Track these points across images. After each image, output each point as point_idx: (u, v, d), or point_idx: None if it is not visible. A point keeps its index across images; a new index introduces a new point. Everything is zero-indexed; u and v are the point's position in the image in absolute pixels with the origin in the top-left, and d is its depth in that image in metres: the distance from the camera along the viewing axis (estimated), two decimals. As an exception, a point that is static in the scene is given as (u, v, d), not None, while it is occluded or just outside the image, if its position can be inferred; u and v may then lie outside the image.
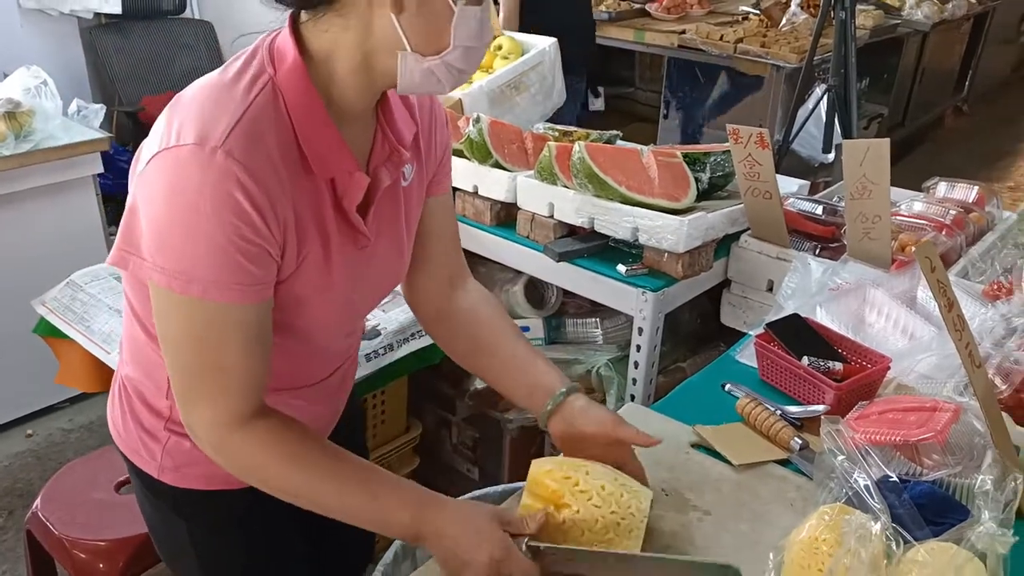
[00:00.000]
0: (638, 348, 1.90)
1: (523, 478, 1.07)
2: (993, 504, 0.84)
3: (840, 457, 0.96)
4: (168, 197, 0.84)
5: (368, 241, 1.01)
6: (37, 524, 1.71)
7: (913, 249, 1.66)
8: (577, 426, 1.12)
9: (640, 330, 1.87)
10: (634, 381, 1.94)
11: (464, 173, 2.10)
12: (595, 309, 2.14)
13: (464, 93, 2.54)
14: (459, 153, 2.12)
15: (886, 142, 1.65)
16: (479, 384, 2.19)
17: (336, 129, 0.92)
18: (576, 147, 1.83)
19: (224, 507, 1.14)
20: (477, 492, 1.40)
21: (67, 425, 2.77)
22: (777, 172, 1.91)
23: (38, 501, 1.74)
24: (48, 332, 2.05)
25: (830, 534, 0.91)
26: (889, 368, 1.38)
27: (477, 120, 2.03)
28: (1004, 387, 1.30)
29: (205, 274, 0.85)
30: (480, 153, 2.05)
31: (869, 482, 0.92)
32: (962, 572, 0.83)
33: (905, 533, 0.94)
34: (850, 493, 0.94)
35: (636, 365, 1.92)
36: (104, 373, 2.00)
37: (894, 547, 0.90)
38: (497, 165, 2.06)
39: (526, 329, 2.17)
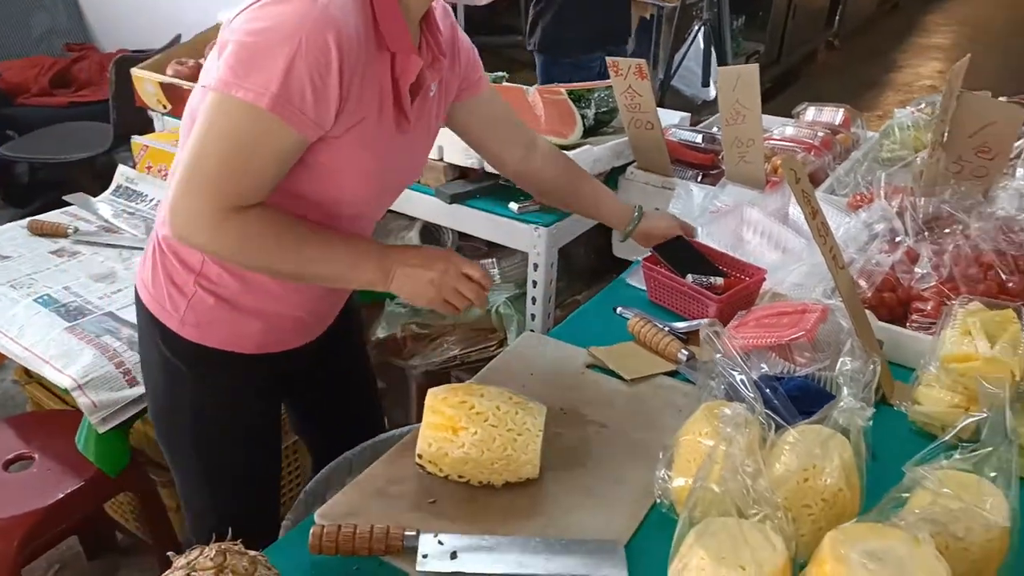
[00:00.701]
0: (535, 284, 1.94)
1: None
2: (854, 383, 0.91)
3: (718, 355, 1.02)
4: (271, 27, 0.96)
5: (409, 126, 1.14)
6: (-79, 512, 1.62)
7: (779, 162, 1.74)
8: (653, 230, 1.54)
9: (535, 266, 1.91)
10: (533, 317, 1.98)
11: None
12: (491, 250, 2.16)
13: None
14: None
15: (755, 68, 1.72)
16: (381, 333, 2.19)
17: (405, 21, 1.08)
18: (459, 87, 1.83)
19: (233, 371, 1.26)
20: (383, 436, 1.41)
21: (-53, 414, 2.61)
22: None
23: (-80, 488, 1.64)
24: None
25: (710, 426, 0.97)
26: (764, 279, 1.46)
27: (358, 65, 1.99)
28: (866, 287, 1.40)
29: (280, 91, 0.96)
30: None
31: (744, 376, 0.98)
32: (827, 445, 0.91)
33: (781, 421, 1.02)
34: (727, 388, 1.00)
35: (534, 301, 1.96)
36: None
37: (770, 433, 0.98)
38: (382, 111, 2.03)
39: (424, 275, 2.18)
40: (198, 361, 1.24)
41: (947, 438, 0.90)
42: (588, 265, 2.31)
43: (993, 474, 0.82)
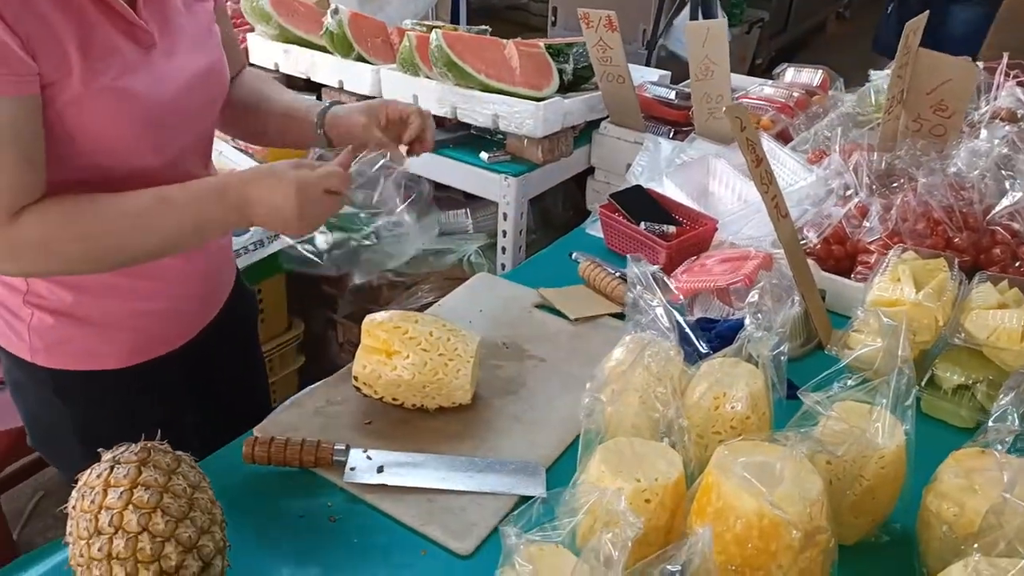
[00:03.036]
0: (504, 233, 1.97)
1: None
2: (764, 314, 0.95)
3: (638, 287, 1.06)
4: None
5: (151, 37, 0.99)
6: (-98, 433, 1.68)
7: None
8: (346, 117, 1.21)
9: (505, 215, 1.95)
10: (503, 266, 2.02)
11: (328, 68, 2.09)
12: (466, 200, 2.20)
13: (332, -9, 2.49)
14: (322, 48, 2.10)
15: (723, 22, 1.73)
16: (358, 280, 2.23)
17: None
18: (433, 35, 1.85)
19: (106, 388, 1.15)
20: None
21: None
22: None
23: (-99, 411, 1.71)
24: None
25: (629, 356, 1.01)
26: (716, 229, 1.49)
27: (336, 12, 2.02)
28: (814, 237, 1.42)
29: None
30: (342, 47, 2.04)
31: (661, 308, 1.02)
32: (733, 373, 0.94)
33: (698, 355, 1.06)
34: (648, 320, 1.03)
35: (504, 250, 2.00)
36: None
37: (690, 366, 1.02)
38: (360, 59, 2.06)
39: (400, 224, 2.21)
40: (67, 387, 1.13)
41: (842, 364, 0.94)
42: (564, 219, 2.34)
43: (883, 400, 0.86)
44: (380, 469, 1.01)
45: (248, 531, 0.93)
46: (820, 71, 2.20)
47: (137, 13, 0.98)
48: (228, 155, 2.12)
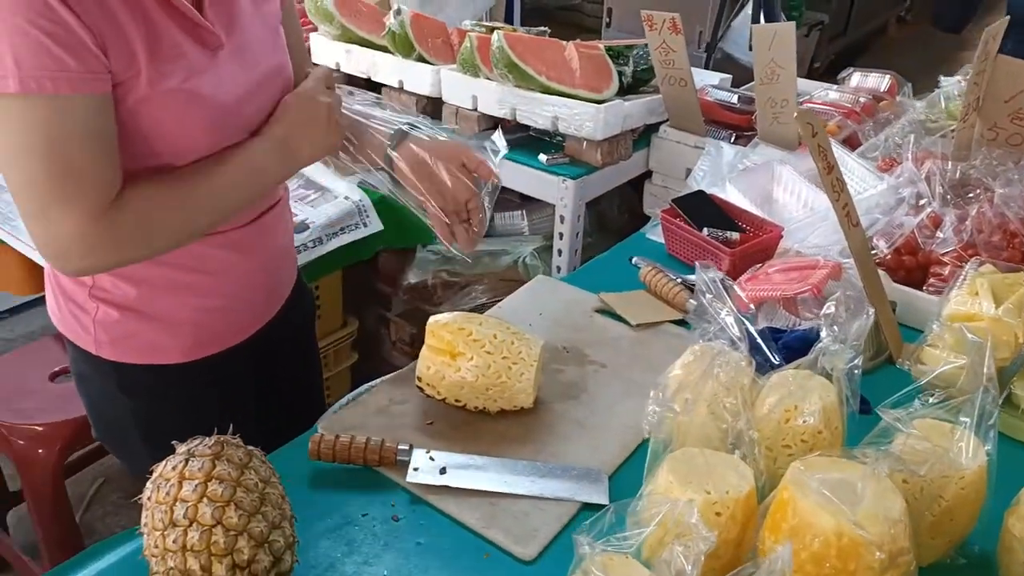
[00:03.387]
0: (560, 236, 1.97)
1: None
2: (839, 326, 0.92)
3: (708, 296, 1.04)
4: None
5: (218, 39, 0.99)
6: (-25, 417, 1.74)
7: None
8: (423, 149, 1.15)
9: (562, 218, 1.94)
10: (558, 269, 2.01)
11: (389, 68, 2.11)
12: (522, 202, 2.20)
13: (393, -8, 2.51)
14: (384, 48, 2.12)
15: (791, 25, 1.70)
16: (412, 279, 2.25)
17: None
18: (495, 36, 1.85)
19: (170, 382, 1.16)
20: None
21: (8, 335, 2.78)
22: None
23: (-26, 395, 1.77)
24: (-25, 236, 2.04)
25: (698, 365, 0.99)
26: (781, 236, 1.46)
27: (398, 12, 2.03)
28: (885, 247, 1.39)
29: (19, 66, 0.82)
30: (403, 47, 2.06)
31: (731, 317, 1.00)
32: (806, 386, 0.92)
33: (767, 365, 1.03)
34: (716, 329, 1.02)
35: (560, 253, 1.99)
36: (37, 274, 2.01)
37: (758, 376, 0.99)
38: (421, 59, 2.07)
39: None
40: (131, 381, 1.15)
41: (922, 382, 0.91)
42: (620, 223, 2.32)
43: (966, 420, 0.83)
44: (443, 470, 1.01)
45: (312, 527, 0.93)
46: (888, 76, 2.15)
47: (203, 14, 0.97)
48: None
